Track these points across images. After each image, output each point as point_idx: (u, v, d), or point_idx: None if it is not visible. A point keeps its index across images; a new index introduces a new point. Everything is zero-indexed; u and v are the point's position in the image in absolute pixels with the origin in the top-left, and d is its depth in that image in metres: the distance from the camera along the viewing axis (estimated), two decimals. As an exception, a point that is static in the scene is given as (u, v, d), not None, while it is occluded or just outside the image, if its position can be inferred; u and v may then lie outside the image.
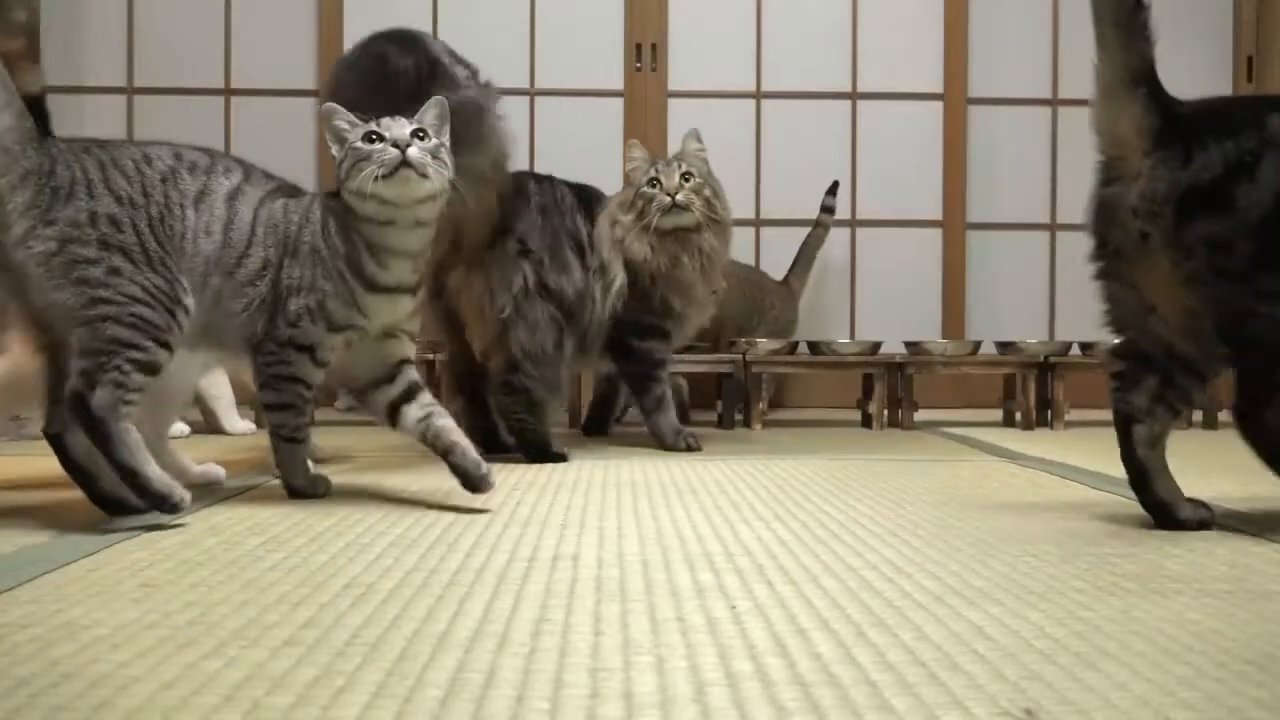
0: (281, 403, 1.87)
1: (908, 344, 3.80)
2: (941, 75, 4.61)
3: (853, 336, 4.46)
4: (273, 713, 0.83)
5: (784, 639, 1.05)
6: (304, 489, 1.92)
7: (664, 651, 1.00)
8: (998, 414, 3.88)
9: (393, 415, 1.90)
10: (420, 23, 4.51)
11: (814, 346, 3.75)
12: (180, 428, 3.07)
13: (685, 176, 2.81)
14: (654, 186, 2.80)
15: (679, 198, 2.79)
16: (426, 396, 1.91)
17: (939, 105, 4.60)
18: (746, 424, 3.61)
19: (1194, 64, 4.63)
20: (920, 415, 3.72)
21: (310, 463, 2.00)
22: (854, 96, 4.61)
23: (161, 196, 1.71)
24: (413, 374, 1.92)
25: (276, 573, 1.32)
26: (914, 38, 4.62)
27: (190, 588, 1.24)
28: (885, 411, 3.65)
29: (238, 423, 3.12)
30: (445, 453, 1.85)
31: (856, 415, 3.83)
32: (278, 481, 1.95)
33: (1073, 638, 1.05)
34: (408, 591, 1.23)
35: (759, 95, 4.52)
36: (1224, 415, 3.74)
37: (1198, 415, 3.66)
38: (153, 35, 4.56)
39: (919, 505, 1.87)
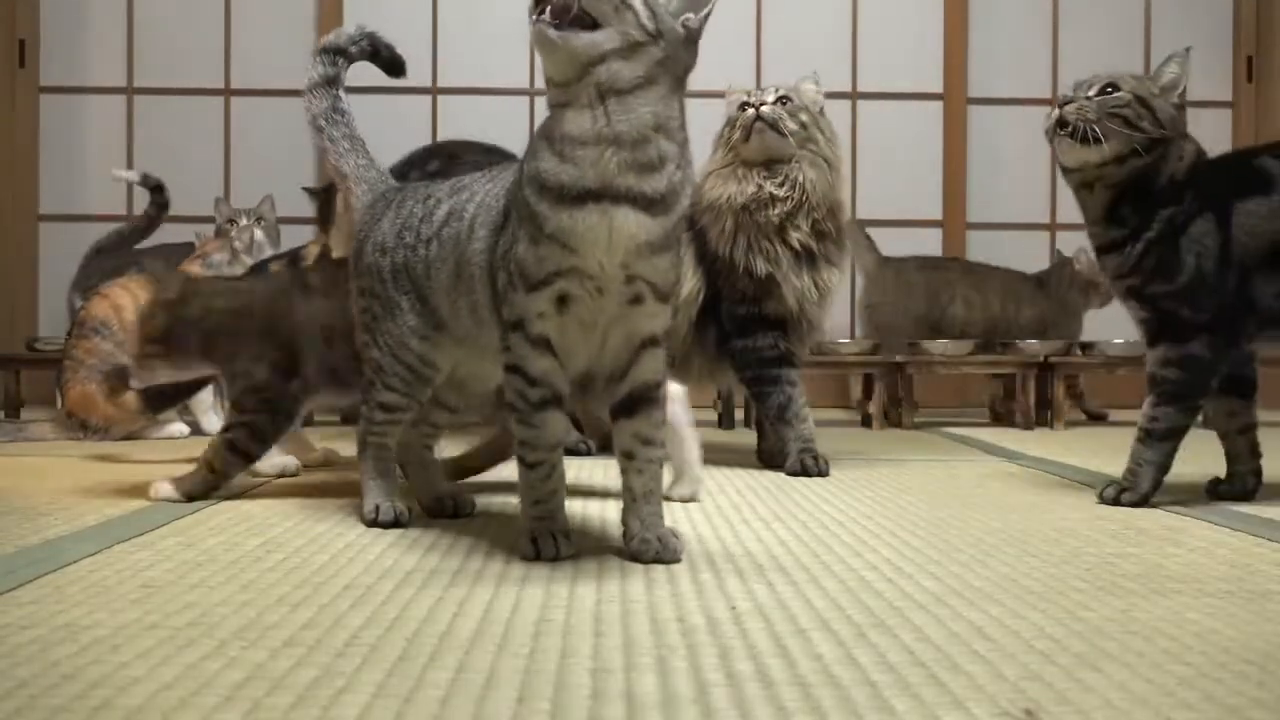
0: (508, 402, 1.43)
1: (908, 344, 3.80)
2: (941, 75, 4.62)
3: (853, 336, 4.46)
4: (273, 713, 0.83)
5: (784, 639, 1.05)
6: (539, 549, 1.41)
7: (664, 652, 1.00)
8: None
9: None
10: (420, 22, 4.53)
11: (815, 346, 3.76)
12: (180, 428, 3.08)
13: (782, 100, 2.37)
14: (743, 110, 2.39)
15: (764, 109, 2.34)
16: (653, 421, 1.41)
17: (939, 105, 4.61)
18: (747, 424, 3.61)
19: (1194, 64, 4.63)
20: (920, 415, 3.72)
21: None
22: (854, 96, 4.61)
23: (412, 239, 1.60)
24: (652, 367, 1.40)
25: (276, 574, 1.32)
26: (914, 38, 4.62)
27: (190, 589, 1.24)
28: (885, 411, 3.65)
29: (214, 421, 3.13)
30: (623, 518, 1.45)
31: (856, 415, 3.83)
32: (278, 482, 1.94)
33: (1073, 638, 1.05)
34: (408, 592, 1.23)
35: (759, 95, 4.52)
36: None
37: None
38: (153, 35, 4.56)
39: (919, 505, 1.87)
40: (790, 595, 1.23)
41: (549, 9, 1.27)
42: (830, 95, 4.54)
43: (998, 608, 1.17)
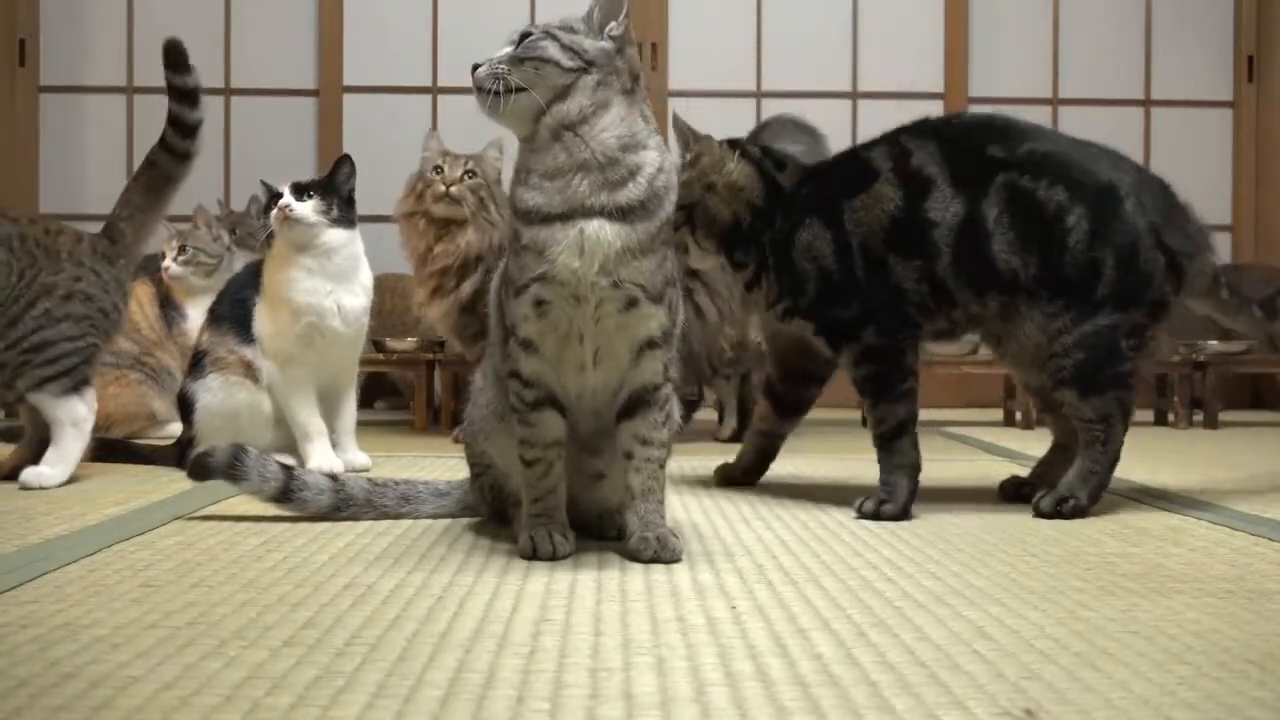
0: (510, 405, 1.46)
1: (908, 344, 3.80)
2: (942, 75, 4.62)
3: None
4: (273, 713, 0.83)
5: (784, 639, 1.05)
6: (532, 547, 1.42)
7: (664, 652, 1.00)
8: (998, 414, 3.88)
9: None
10: (420, 22, 4.53)
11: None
12: (180, 428, 3.08)
13: (469, 173, 2.90)
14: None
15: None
16: (650, 422, 1.43)
17: (939, 105, 4.61)
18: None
19: (1194, 64, 4.64)
20: (920, 415, 3.71)
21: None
22: (854, 96, 4.61)
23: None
24: (651, 369, 1.43)
25: (276, 573, 1.32)
26: (914, 38, 4.62)
27: (190, 588, 1.24)
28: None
29: None
30: (623, 516, 1.48)
31: (856, 415, 3.83)
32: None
33: (1073, 638, 1.05)
34: (408, 591, 1.23)
35: (759, 94, 4.52)
36: (1225, 415, 3.75)
37: (1198, 415, 3.65)
38: (153, 35, 4.55)
39: (919, 505, 1.87)
40: (790, 595, 1.23)
41: (478, 89, 1.40)
42: (830, 95, 4.58)
43: (998, 607, 1.17)
